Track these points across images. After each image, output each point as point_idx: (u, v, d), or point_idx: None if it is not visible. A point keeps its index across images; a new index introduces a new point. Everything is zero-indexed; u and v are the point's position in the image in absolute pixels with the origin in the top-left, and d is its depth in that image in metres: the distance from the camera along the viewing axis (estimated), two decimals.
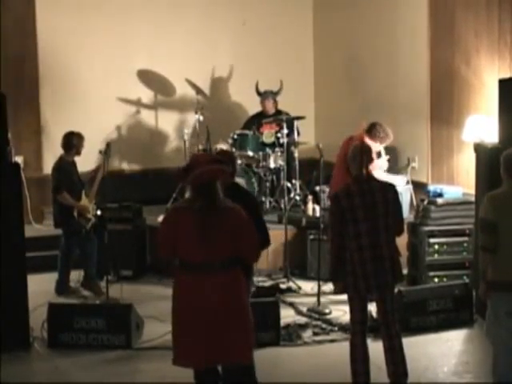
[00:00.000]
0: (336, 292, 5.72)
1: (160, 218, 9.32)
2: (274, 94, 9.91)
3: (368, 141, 7.30)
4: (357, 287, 5.33)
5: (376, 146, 7.48)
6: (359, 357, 5.37)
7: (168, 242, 4.83)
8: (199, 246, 4.72)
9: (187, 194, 6.82)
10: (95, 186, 8.12)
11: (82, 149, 8.14)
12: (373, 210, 5.32)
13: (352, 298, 5.42)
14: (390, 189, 5.49)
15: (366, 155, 5.43)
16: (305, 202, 9.03)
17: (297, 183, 9.34)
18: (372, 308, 5.63)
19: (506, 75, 7.13)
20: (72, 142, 8.08)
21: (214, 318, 4.71)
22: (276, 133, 9.17)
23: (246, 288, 4.97)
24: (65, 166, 8.03)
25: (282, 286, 8.07)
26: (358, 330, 5.40)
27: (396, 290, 5.82)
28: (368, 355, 5.39)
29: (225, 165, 4.92)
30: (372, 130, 7.65)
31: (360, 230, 5.30)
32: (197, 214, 4.73)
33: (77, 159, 8.18)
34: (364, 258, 5.30)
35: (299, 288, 8.07)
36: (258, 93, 10.00)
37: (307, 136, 10.11)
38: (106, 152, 7.88)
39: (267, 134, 9.37)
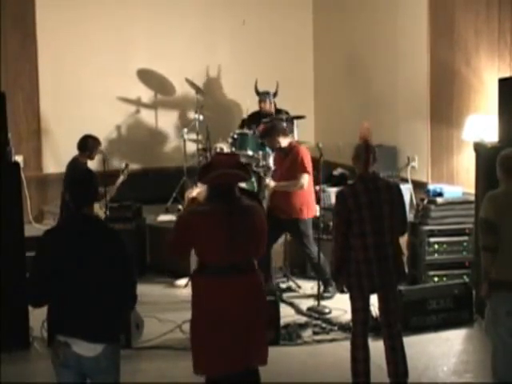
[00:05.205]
0: (339, 291, 5.70)
1: (161, 218, 9.36)
2: (271, 96, 9.88)
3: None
4: (361, 286, 5.31)
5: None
6: (360, 357, 5.35)
7: (183, 246, 4.75)
8: (226, 248, 4.57)
9: (194, 193, 6.81)
10: (113, 190, 8.37)
11: (95, 153, 8.32)
12: (378, 209, 5.29)
13: (355, 298, 5.39)
14: (396, 189, 5.48)
15: (371, 154, 5.42)
16: None
17: None
18: (372, 307, 5.62)
19: (506, 75, 7.13)
20: (87, 145, 8.21)
21: (241, 321, 4.60)
22: None
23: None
24: (79, 166, 8.05)
25: (282, 286, 8.07)
26: (360, 330, 5.38)
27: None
28: (369, 355, 5.38)
29: (245, 169, 4.83)
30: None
31: (365, 229, 5.27)
32: (220, 215, 4.59)
33: None
34: (369, 258, 5.27)
35: (299, 287, 8.08)
36: (257, 92, 9.96)
37: (307, 136, 10.11)
38: (123, 171, 8.50)
39: None
